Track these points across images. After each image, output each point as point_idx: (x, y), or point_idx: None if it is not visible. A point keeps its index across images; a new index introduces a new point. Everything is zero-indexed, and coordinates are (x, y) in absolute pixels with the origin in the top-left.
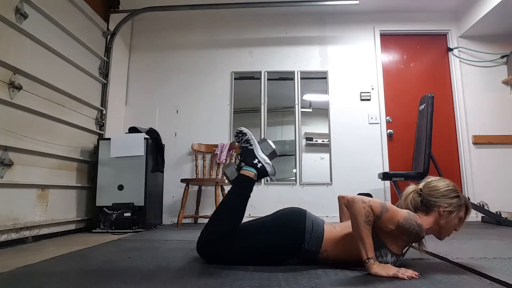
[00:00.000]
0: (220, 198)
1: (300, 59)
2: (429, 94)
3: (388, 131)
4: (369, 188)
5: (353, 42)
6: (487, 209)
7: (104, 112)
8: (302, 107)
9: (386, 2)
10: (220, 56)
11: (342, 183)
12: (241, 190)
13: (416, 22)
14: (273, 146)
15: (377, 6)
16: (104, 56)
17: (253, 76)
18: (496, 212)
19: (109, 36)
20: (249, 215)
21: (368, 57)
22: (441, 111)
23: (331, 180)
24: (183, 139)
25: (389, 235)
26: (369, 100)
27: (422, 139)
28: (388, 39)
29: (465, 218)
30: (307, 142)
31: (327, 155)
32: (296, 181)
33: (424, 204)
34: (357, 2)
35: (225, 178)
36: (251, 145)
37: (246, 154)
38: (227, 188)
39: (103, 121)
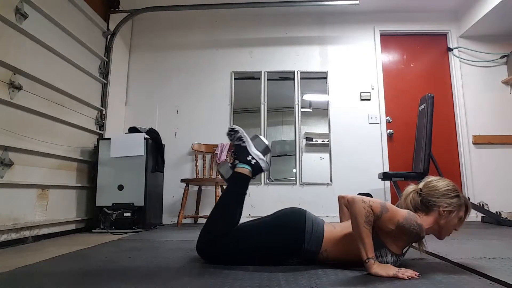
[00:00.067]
0: None
1: (300, 59)
2: (429, 94)
3: (388, 131)
4: (369, 188)
5: (353, 42)
6: (487, 209)
7: (104, 112)
8: (302, 107)
9: (386, 2)
10: (220, 56)
11: (342, 183)
12: (237, 187)
13: (416, 22)
14: (266, 142)
15: (377, 6)
16: (104, 56)
17: (253, 76)
18: (496, 212)
19: (109, 36)
20: (249, 215)
21: (368, 57)
22: (441, 111)
23: (331, 180)
24: (183, 139)
25: (389, 235)
26: (369, 100)
27: (422, 139)
28: (388, 39)
29: (465, 218)
30: (307, 142)
31: (327, 155)
32: (296, 181)
33: (424, 204)
34: (357, 2)
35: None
36: (243, 142)
37: (239, 152)
38: None
39: (103, 121)
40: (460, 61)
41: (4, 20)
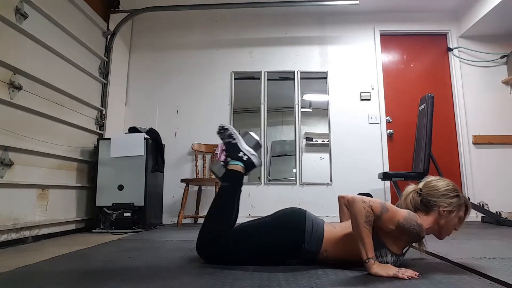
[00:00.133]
0: None
1: (300, 59)
2: (429, 94)
3: (388, 131)
4: (369, 188)
5: (353, 42)
6: (487, 209)
7: (104, 112)
8: (302, 107)
9: (386, 2)
10: (220, 56)
11: (342, 183)
12: (231, 185)
13: (416, 22)
14: (256, 138)
15: (377, 6)
16: (104, 56)
17: (253, 76)
18: (496, 212)
19: (109, 36)
20: (249, 215)
21: (368, 57)
22: (441, 111)
23: (331, 180)
24: (183, 139)
25: (389, 235)
26: (369, 100)
27: (422, 139)
28: (388, 39)
29: (465, 217)
30: (307, 142)
31: (327, 155)
32: (296, 181)
33: (424, 204)
34: (357, 2)
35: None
36: (234, 139)
37: (230, 149)
38: None
39: (103, 121)
40: (460, 61)
41: (4, 20)
